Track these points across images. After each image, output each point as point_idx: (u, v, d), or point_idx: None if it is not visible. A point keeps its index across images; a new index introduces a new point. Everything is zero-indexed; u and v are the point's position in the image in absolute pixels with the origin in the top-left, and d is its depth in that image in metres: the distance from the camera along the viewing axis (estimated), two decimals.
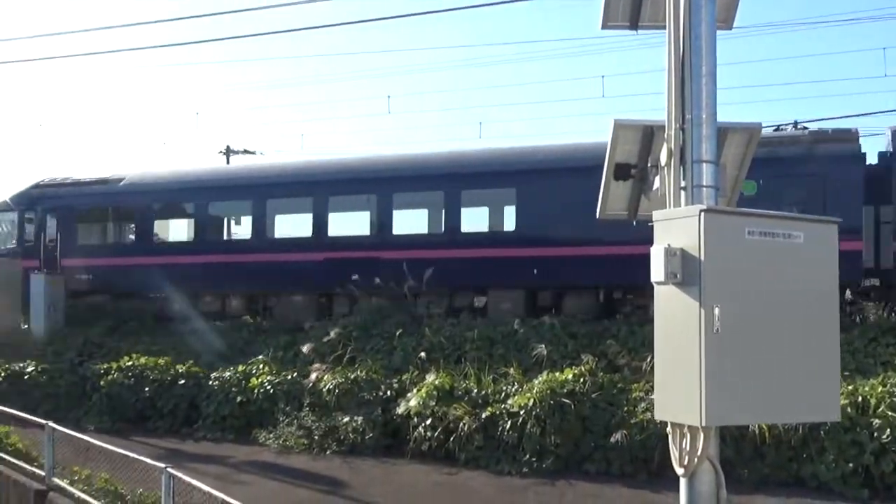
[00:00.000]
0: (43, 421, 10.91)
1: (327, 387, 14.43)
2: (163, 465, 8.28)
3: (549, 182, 17.29)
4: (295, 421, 14.21)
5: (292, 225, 21.32)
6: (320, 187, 19.58)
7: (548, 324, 15.51)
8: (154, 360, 16.48)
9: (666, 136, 4.40)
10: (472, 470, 12.29)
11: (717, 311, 3.76)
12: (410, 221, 20.35)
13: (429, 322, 16.17)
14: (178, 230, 22.92)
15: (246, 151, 40.81)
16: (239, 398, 15.06)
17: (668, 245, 3.93)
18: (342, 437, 13.58)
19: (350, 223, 20.47)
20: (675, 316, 3.94)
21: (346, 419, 13.76)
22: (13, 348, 18.47)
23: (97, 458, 10.51)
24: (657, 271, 3.95)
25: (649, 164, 4.68)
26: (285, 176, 21.00)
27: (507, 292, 17.56)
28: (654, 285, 4.05)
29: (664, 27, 4.53)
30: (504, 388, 13.26)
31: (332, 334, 16.08)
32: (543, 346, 14.33)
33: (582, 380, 12.80)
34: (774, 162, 15.57)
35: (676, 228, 3.98)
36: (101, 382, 16.20)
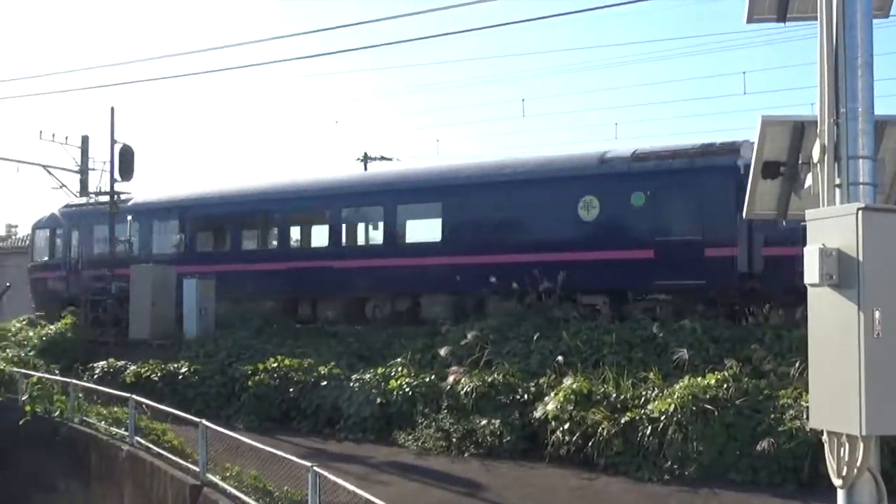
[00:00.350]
0: (197, 419, 11.40)
1: (465, 389, 14.52)
2: (309, 464, 8.52)
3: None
4: (433, 423, 14.36)
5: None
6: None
7: (689, 327, 15.14)
8: (298, 361, 17.00)
9: (818, 131, 4.22)
10: (611, 475, 12.10)
11: (877, 314, 3.57)
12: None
13: (566, 325, 16.06)
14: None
15: (383, 158, 41.71)
16: (379, 400, 15.32)
17: (823, 245, 3.76)
18: (480, 440, 13.63)
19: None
20: (831, 320, 3.78)
21: (484, 422, 13.81)
22: (168, 350, 19.49)
23: (246, 455, 10.92)
24: (811, 273, 3.80)
25: (800, 162, 4.50)
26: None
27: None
28: (808, 287, 3.89)
29: (815, 18, 4.35)
30: (643, 392, 12.99)
31: (469, 337, 16.18)
32: (685, 350, 13.99)
33: (725, 385, 12.38)
34: (664, 174, 17.88)
35: (831, 228, 3.81)
36: (249, 383, 16.82)
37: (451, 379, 14.99)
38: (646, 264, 17.89)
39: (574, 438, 12.68)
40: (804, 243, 3.93)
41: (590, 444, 12.49)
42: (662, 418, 12.05)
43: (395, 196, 21.15)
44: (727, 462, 11.77)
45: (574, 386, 13.37)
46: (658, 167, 18.23)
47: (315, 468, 8.38)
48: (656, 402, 12.44)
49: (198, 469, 11.06)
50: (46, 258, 28.41)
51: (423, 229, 21.68)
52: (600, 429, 12.46)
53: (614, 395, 13.09)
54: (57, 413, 15.65)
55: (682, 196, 17.77)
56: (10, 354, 19.71)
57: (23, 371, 17.36)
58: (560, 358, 14.60)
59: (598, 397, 13.12)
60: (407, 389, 15.18)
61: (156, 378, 17.98)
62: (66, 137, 36.35)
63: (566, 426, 12.83)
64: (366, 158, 42.37)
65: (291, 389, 16.42)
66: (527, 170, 20.26)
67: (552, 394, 13.56)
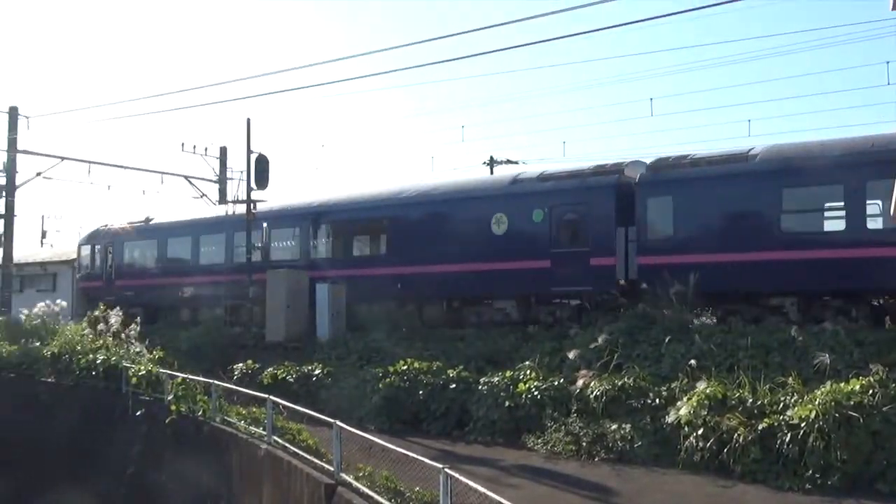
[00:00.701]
0: (330, 420, 11.67)
1: (594, 393, 14.36)
2: (440, 466, 8.59)
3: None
4: (563, 427, 14.27)
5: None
6: None
7: (830, 331, 14.53)
8: (427, 364, 17.20)
9: None
10: (748, 483, 11.70)
11: None
12: None
13: (699, 329, 15.65)
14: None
15: (509, 161, 41.70)
16: (507, 403, 15.33)
17: None
18: (610, 445, 13.47)
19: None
20: None
21: (614, 426, 13.64)
22: (302, 352, 20.07)
23: (378, 456, 11.12)
24: None
25: None
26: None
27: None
28: None
29: None
30: (782, 398, 12.52)
31: (599, 340, 15.99)
32: (826, 354, 13.41)
33: (871, 391, 11.81)
34: (559, 193, 20.62)
35: None
36: (380, 385, 17.11)
37: (580, 382, 14.86)
38: (545, 273, 20.19)
39: (708, 444, 12.35)
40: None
41: (725, 450, 12.14)
42: (803, 425, 11.58)
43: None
44: (873, 472, 11.24)
45: (708, 390, 13.02)
46: (556, 186, 20.96)
47: (447, 470, 8.44)
48: (796, 409, 11.97)
49: (332, 468, 11.31)
50: (88, 270, 33.48)
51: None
52: (736, 435, 12.10)
53: (750, 400, 12.67)
54: (200, 412, 16.35)
55: (573, 212, 20.34)
56: (156, 356, 20.71)
57: (168, 372, 18.20)
58: (693, 362, 14.23)
59: (734, 402, 12.73)
60: (536, 393, 15.14)
61: (291, 380, 18.56)
62: (206, 149, 38.17)
63: (700, 432, 12.51)
64: (492, 162, 42.45)
65: (421, 392, 16.62)
66: (456, 189, 23.45)
67: (685, 398, 13.24)
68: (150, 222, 31.64)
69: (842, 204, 17.08)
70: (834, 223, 17.39)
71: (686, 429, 12.75)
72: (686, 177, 19.07)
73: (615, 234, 19.50)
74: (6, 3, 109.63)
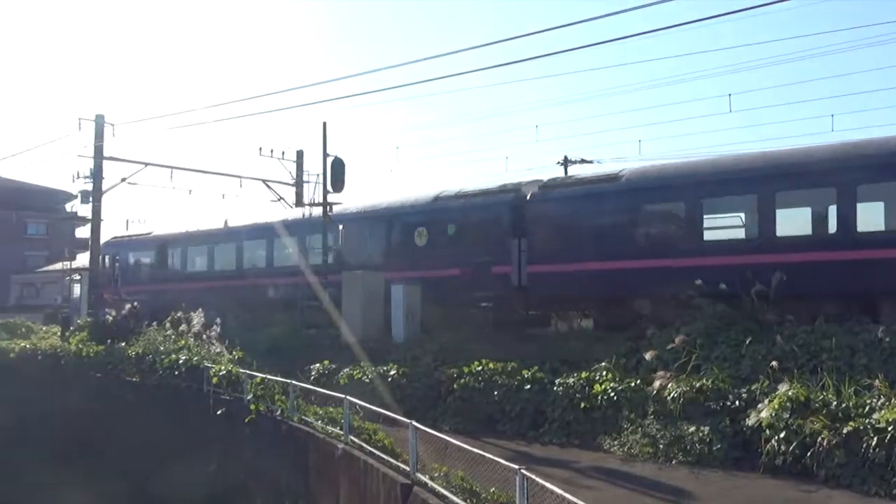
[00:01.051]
0: (407, 420, 11.73)
1: (672, 395, 14.15)
2: (516, 467, 8.57)
3: None
4: (639, 429, 14.10)
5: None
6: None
7: None
8: (502, 365, 17.17)
9: None
10: (832, 488, 11.38)
11: None
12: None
13: (780, 329, 15.29)
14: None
15: (583, 161, 41.38)
16: (583, 404, 15.23)
17: None
18: (688, 447, 13.25)
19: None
20: None
21: (692, 429, 13.42)
22: (379, 353, 20.23)
23: (453, 456, 11.12)
24: None
25: None
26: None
27: None
28: None
29: None
30: (868, 401, 12.11)
31: (677, 341, 15.75)
32: None
33: None
34: (468, 209, 23.19)
35: None
36: (455, 386, 17.16)
37: (657, 384, 14.66)
38: (456, 281, 22.55)
39: (791, 448, 12.06)
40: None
41: (808, 454, 11.84)
42: (890, 429, 11.21)
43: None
44: None
45: (790, 393, 12.71)
46: (465, 204, 23.52)
47: (523, 471, 8.42)
48: (883, 412, 11.58)
49: (408, 468, 11.37)
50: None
51: None
52: (820, 438, 11.78)
53: (835, 403, 12.31)
54: (278, 412, 16.63)
55: (478, 226, 22.82)
56: (236, 356, 21.15)
57: (247, 372, 18.56)
58: (774, 363, 13.90)
59: (817, 405, 12.39)
60: (612, 394, 15.00)
61: (366, 380, 18.72)
62: (283, 153, 38.91)
63: (782, 435, 12.22)
64: (566, 162, 42.18)
65: (496, 392, 16.61)
66: (391, 206, 26.04)
67: (766, 401, 12.94)
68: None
69: (683, 218, 19.45)
70: (682, 235, 19.49)
71: (767, 432, 12.46)
72: (567, 195, 21.41)
73: (511, 245, 21.94)
74: (92, 15, 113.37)
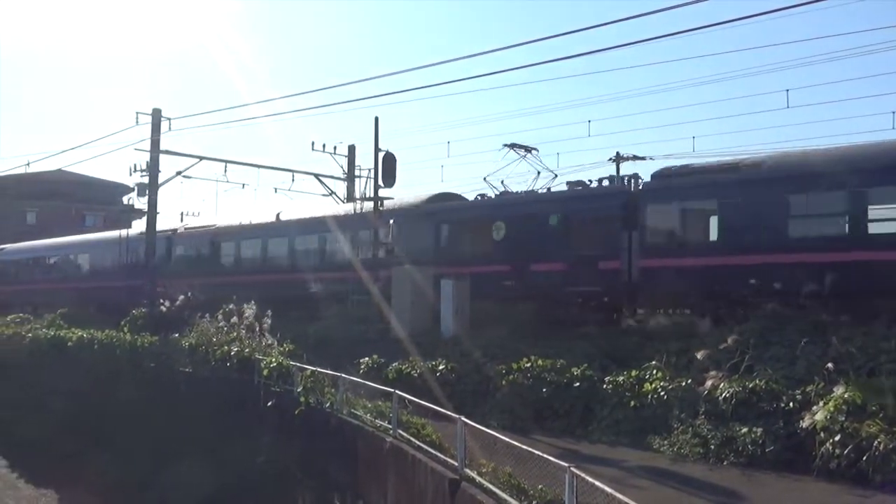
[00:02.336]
0: (455, 416, 11.75)
1: (723, 395, 13.95)
2: (566, 465, 8.52)
3: None
4: (690, 428, 13.93)
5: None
6: None
7: None
8: (551, 362, 17.10)
9: None
10: (888, 494, 11.09)
11: None
12: None
13: (836, 330, 14.98)
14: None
15: (635, 157, 40.94)
16: (633, 403, 15.10)
17: None
18: (740, 449, 13.06)
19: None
20: None
21: (745, 430, 13.22)
22: (427, 348, 20.28)
23: (501, 452, 11.10)
24: None
25: None
26: None
27: None
28: None
29: None
30: None
31: (729, 341, 15.52)
32: None
33: None
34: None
35: None
36: (503, 382, 17.13)
37: (708, 384, 14.47)
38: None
39: (846, 451, 11.81)
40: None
41: (864, 458, 11.57)
42: None
43: None
44: None
45: (846, 395, 12.45)
46: (398, 212, 26.97)
47: (573, 469, 8.37)
48: None
49: (456, 464, 11.38)
50: None
51: None
52: (876, 442, 11.51)
53: (892, 406, 12.02)
54: (328, 405, 16.76)
55: (412, 231, 26.00)
56: (286, 349, 21.34)
57: (297, 365, 18.72)
58: (830, 365, 13.63)
59: (874, 408, 12.10)
60: (662, 393, 14.86)
61: (415, 375, 18.78)
62: (335, 147, 39.11)
63: (837, 438, 11.97)
64: (618, 158, 41.76)
65: (544, 389, 16.55)
66: (339, 215, 30.22)
67: (820, 403, 12.69)
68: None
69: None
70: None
71: (822, 435, 12.22)
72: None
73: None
74: (151, 11, 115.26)
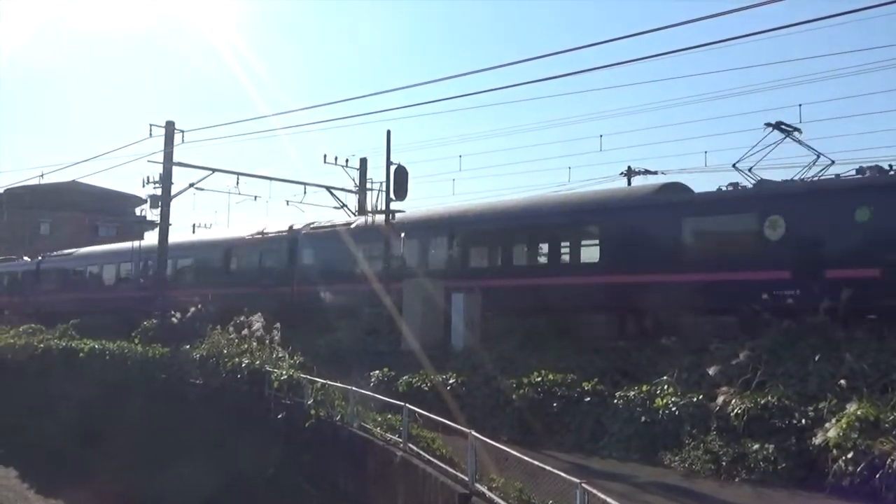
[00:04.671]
0: (466, 430, 11.72)
1: (735, 411, 13.87)
2: (577, 481, 8.49)
3: None
4: (701, 444, 13.85)
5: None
6: None
7: None
8: (561, 376, 17.04)
9: None
10: None
11: None
12: None
13: (849, 346, 14.90)
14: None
15: (647, 172, 40.85)
16: (643, 418, 15.02)
17: None
18: (752, 465, 12.96)
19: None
20: None
21: (756, 446, 13.12)
22: (437, 361, 20.24)
23: (511, 467, 11.07)
24: None
25: None
26: None
27: None
28: None
29: None
30: None
31: (741, 357, 15.44)
32: None
33: None
34: (280, 241, 32.46)
35: None
36: (513, 396, 17.08)
37: (720, 399, 14.39)
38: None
39: (859, 469, 11.72)
40: None
41: (877, 475, 11.48)
42: None
43: None
44: None
45: (859, 412, 12.37)
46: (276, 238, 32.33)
47: (584, 485, 8.33)
48: None
49: (466, 478, 11.34)
50: None
51: None
52: (889, 460, 11.42)
53: None
54: (338, 417, 16.75)
55: (277, 253, 31.86)
56: (297, 361, 21.34)
57: (308, 377, 18.72)
58: (843, 381, 13.55)
59: (887, 425, 12.03)
60: (673, 408, 14.77)
61: (425, 388, 18.74)
62: (347, 160, 39.17)
63: (850, 455, 11.88)
64: (629, 173, 41.69)
65: (555, 404, 16.50)
66: (266, 237, 33.21)
67: (833, 420, 12.61)
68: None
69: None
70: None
71: (834, 452, 12.13)
72: (316, 234, 28.58)
73: (290, 270, 30.63)
74: (166, 22, 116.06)
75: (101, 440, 24.67)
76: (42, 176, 45.37)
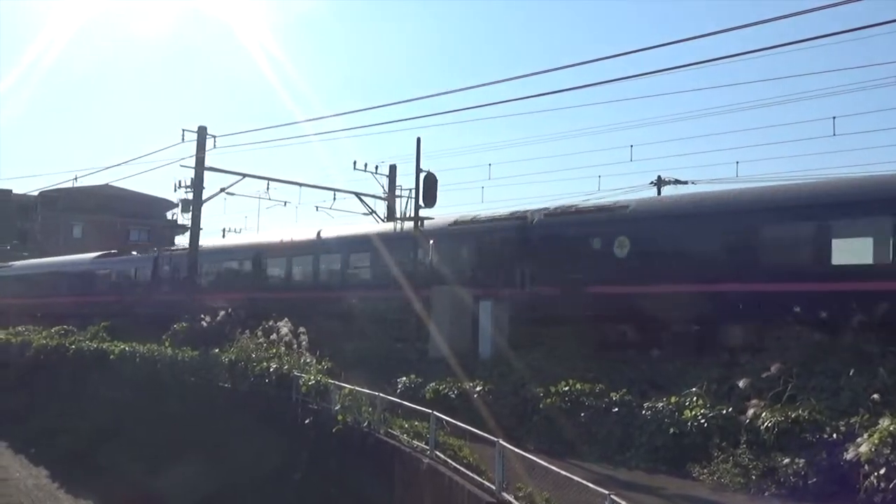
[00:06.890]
0: (494, 438, 11.70)
1: (765, 424, 13.74)
2: (606, 492, 8.45)
3: None
4: (730, 458, 13.72)
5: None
6: None
7: None
8: (590, 386, 16.96)
9: None
10: None
11: None
12: None
13: (883, 361, 14.71)
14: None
15: (677, 181, 40.66)
16: (672, 430, 14.90)
17: None
18: (782, 479, 12.81)
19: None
20: None
21: (787, 460, 12.97)
22: (465, 369, 20.23)
23: (539, 476, 11.04)
24: None
25: None
26: None
27: None
28: None
29: None
30: None
31: (773, 370, 15.29)
32: None
33: None
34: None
35: None
36: (541, 405, 17.02)
37: (750, 412, 14.25)
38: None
39: (891, 485, 11.54)
40: None
41: None
42: None
43: None
44: None
45: (891, 428, 12.18)
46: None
47: (613, 497, 8.30)
48: None
49: (493, 486, 11.33)
50: None
51: None
52: None
53: None
54: (365, 423, 16.78)
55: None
56: (325, 366, 21.42)
57: (336, 382, 18.77)
58: (876, 396, 13.38)
59: None
60: (702, 420, 14.64)
61: (452, 395, 18.72)
62: (377, 167, 39.34)
63: (882, 471, 11.69)
64: (659, 182, 41.50)
65: (583, 414, 16.41)
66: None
67: (865, 435, 12.44)
68: None
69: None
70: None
71: (866, 467, 11.95)
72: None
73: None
74: (197, 29, 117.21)
75: (130, 441, 24.91)
76: (76, 179, 45.94)
